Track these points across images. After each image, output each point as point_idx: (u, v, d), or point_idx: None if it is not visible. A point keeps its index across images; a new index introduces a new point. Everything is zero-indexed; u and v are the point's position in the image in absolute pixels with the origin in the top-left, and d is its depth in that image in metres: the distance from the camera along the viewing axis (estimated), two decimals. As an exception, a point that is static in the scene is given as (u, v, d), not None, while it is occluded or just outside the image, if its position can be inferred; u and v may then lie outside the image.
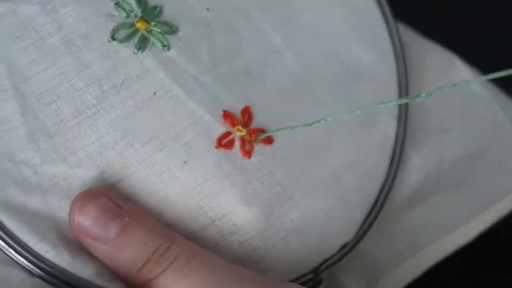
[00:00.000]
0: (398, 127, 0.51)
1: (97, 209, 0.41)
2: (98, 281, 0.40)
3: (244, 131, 0.45)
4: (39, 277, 0.40)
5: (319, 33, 0.51)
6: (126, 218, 0.41)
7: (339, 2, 0.52)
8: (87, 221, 0.40)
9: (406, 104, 0.52)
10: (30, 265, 0.40)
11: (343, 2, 0.53)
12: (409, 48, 0.56)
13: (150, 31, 0.45)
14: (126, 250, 0.40)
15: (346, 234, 0.47)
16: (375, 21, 0.53)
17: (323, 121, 0.43)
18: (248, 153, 0.45)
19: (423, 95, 0.40)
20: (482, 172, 0.56)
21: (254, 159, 0.45)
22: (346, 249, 0.48)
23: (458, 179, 0.55)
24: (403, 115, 0.52)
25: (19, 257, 0.40)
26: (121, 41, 0.44)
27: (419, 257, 0.54)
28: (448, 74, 0.57)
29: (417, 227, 0.54)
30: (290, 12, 0.51)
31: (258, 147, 0.46)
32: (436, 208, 0.55)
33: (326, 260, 0.47)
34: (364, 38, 0.52)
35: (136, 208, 0.42)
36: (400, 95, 0.52)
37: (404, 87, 0.53)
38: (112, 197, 0.42)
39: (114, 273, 0.41)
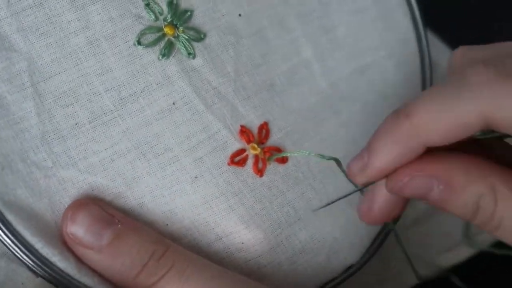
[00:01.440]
0: None
1: (89, 217, 0.41)
2: None
3: (258, 150, 0.45)
4: (43, 277, 0.41)
5: (352, 48, 0.50)
6: (119, 225, 0.41)
7: (378, 18, 0.51)
8: (79, 229, 0.40)
9: None
10: (35, 266, 0.40)
11: (382, 17, 0.51)
12: (437, 64, 0.55)
13: (177, 37, 0.44)
14: (121, 257, 0.40)
15: (353, 257, 0.47)
16: (408, 39, 0.52)
17: (333, 160, 0.43)
18: (260, 172, 0.45)
19: None
20: None
21: (266, 177, 0.45)
22: (351, 271, 0.48)
23: None
24: None
25: (25, 257, 0.40)
26: (147, 45, 0.43)
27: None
28: None
29: (415, 244, 0.54)
30: (326, 23, 0.49)
31: (271, 166, 0.45)
32: (434, 228, 0.55)
33: (330, 281, 0.47)
34: (394, 58, 0.51)
35: (128, 217, 0.42)
36: None
37: None
38: (103, 206, 0.41)
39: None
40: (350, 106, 0.49)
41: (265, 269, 0.44)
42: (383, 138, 0.39)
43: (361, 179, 0.41)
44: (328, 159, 0.44)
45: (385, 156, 0.39)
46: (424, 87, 0.52)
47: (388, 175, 0.39)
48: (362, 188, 0.46)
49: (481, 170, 0.39)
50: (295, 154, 0.45)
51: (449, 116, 0.36)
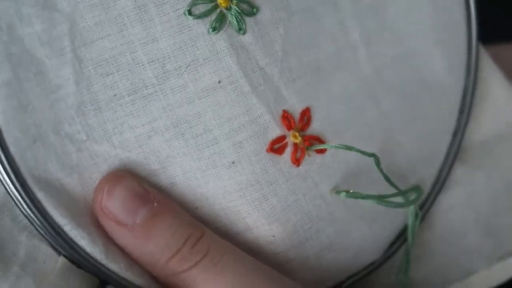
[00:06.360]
0: (449, 149, 0.49)
1: (126, 192, 0.38)
2: (127, 275, 0.39)
3: (299, 139, 0.42)
4: (66, 257, 0.38)
5: (400, 31, 0.47)
6: (155, 204, 0.38)
7: (429, 1, 0.48)
8: (115, 204, 0.38)
9: (465, 126, 0.49)
10: (59, 247, 0.38)
11: (433, 1, 0.48)
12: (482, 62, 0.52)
13: (229, 9, 0.40)
14: (155, 237, 0.38)
15: (377, 253, 0.46)
16: (458, 28, 0.49)
17: (373, 157, 0.42)
18: (297, 161, 0.43)
19: None
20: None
21: (302, 167, 0.43)
22: (373, 267, 0.46)
23: (489, 220, 0.52)
24: (460, 134, 0.49)
25: (49, 238, 0.38)
26: (198, 16, 0.40)
27: None
28: (506, 111, 0.53)
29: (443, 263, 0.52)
30: (378, 2, 0.46)
31: (308, 156, 0.43)
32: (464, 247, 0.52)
33: (351, 276, 0.46)
34: (442, 43, 0.48)
35: (163, 196, 0.40)
36: (462, 111, 0.49)
37: (468, 103, 0.49)
38: (140, 182, 0.39)
39: (142, 268, 0.39)
40: (389, 96, 0.46)
41: (293, 263, 0.43)
42: None
43: None
44: (369, 155, 0.42)
45: None
46: (468, 76, 0.49)
47: None
48: (405, 192, 0.44)
49: None
50: (335, 147, 0.43)
51: None
